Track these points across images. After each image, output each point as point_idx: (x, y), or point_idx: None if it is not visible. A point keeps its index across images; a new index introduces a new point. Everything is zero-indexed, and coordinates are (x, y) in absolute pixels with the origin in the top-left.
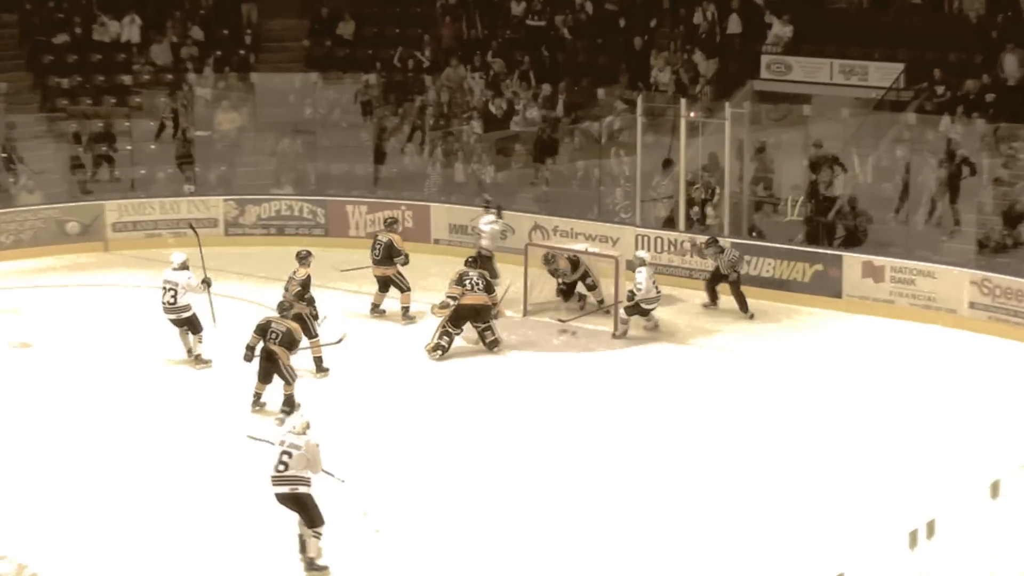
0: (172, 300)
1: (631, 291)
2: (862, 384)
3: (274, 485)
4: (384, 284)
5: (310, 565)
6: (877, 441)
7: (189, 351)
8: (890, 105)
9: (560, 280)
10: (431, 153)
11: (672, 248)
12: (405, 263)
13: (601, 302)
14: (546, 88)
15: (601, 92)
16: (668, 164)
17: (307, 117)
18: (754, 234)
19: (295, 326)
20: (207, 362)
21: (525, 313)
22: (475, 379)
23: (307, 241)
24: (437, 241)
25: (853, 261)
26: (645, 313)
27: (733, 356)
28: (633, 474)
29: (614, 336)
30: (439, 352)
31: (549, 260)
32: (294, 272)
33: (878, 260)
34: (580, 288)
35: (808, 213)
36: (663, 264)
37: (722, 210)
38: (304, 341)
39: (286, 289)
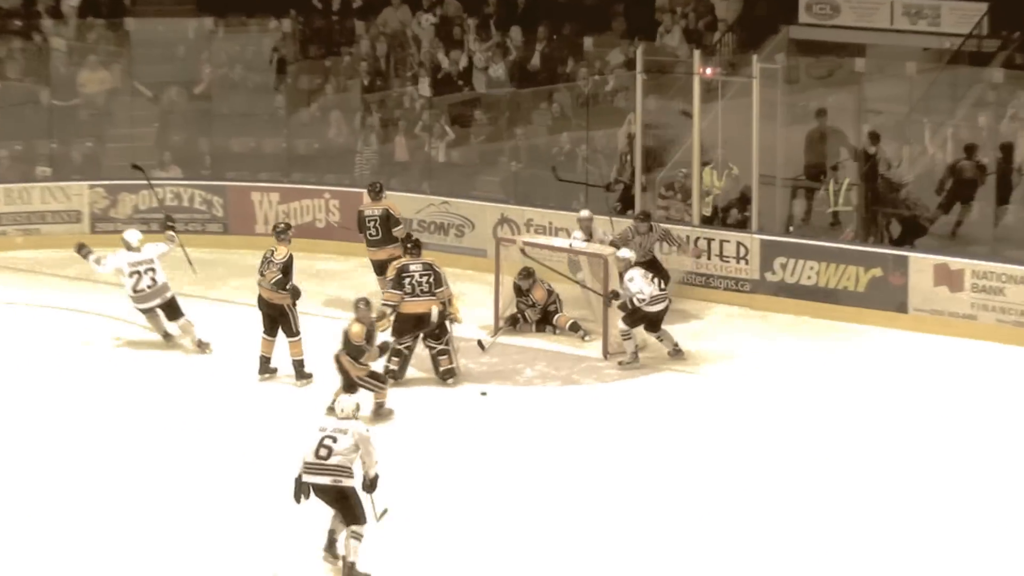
0: (152, 281)
1: (624, 300)
2: (933, 427)
3: (312, 474)
4: (383, 269)
5: (350, 571)
6: (948, 507)
7: (166, 334)
8: (969, 58)
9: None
10: (363, 123)
11: (682, 246)
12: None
13: (584, 334)
14: (516, 36)
15: (589, 42)
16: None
17: (200, 77)
18: (791, 229)
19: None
20: (207, 344)
21: (496, 331)
22: (426, 418)
23: (200, 240)
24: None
25: (923, 264)
26: (654, 325)
27: (762, 390)
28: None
29: (607, 357)
30: (390, 378)
31: (523, 289)
32: (271, 252)
33: (956, 263)
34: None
35: (858, 201)
36: (670, 269)
37: (734, 194)
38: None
39: (262, 274)
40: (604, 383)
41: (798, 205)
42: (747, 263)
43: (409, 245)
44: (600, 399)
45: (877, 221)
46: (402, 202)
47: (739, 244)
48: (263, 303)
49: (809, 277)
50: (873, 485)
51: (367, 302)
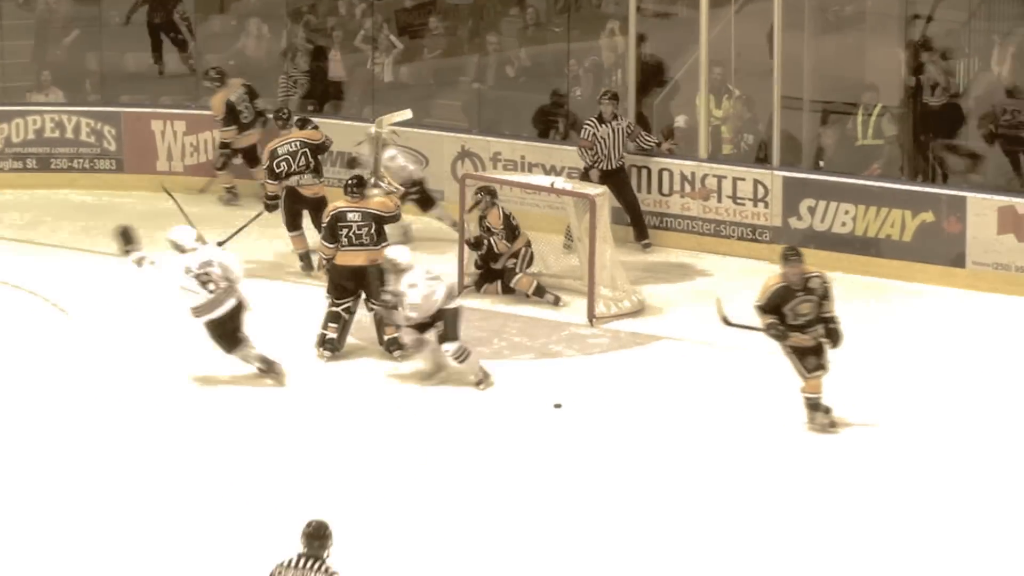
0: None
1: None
2: (993, 404)
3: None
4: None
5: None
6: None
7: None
8: None
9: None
10: (290, 36)
11: (688, 186)
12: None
13: (556, 299)
14: None
15: None
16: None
17: None
18: (821, 164)
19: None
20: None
21: (460, 291)
22: (371, 400)
23: (89, 180)
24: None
25: (984, 206)
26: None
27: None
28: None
29: (593, 323)
30: (327, 349)
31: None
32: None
33: None
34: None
35: (894, 132)
36: (671, 214)
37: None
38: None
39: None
40: (588, 355)
41: (830, 135)
42: (767, 206)
43: (350, 184)
44: (584, 374)
45: (927, 155)
46: (339, 131)
47: (756, 183)
48: (303, 200)
49: (843, 223)
50: (916, 478)
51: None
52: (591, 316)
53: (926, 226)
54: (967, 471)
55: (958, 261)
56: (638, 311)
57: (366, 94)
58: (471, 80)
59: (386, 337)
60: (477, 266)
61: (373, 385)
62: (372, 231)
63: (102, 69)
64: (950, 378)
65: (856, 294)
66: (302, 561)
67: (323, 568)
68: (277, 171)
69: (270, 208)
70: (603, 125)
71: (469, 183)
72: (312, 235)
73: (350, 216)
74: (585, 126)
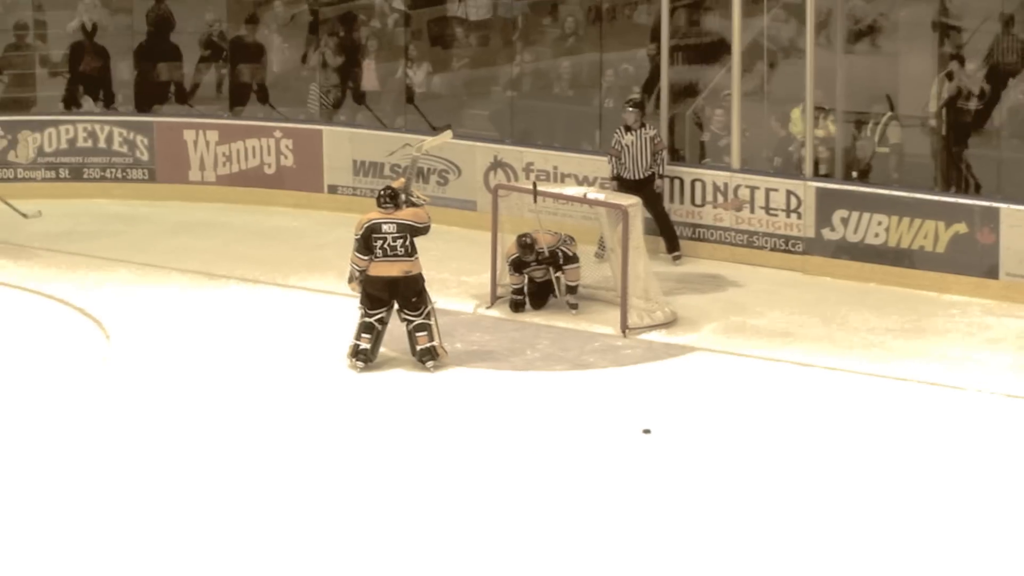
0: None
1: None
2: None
3: None
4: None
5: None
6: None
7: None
8: None
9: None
10: (321, 45)
11: (721, 196)
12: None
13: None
14: None
15: None
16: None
17: None
18: (855, 175)
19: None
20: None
21: (493, 302)
22: (406, 410)
23: (121, 189)
24: (333, 190)
25: (1019, 217)
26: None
27: (816, 375)
28: None
29: (626, 334)
30: (360, 360)
31: (526, 245)
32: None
33: None
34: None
35: (898, 141)
36: (703, 225)
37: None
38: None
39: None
40: (621, 366)
41: (862, 147)
42: (800, 217)
43: (383, 196)
44: (617, 386)
45: (959, 166)
46: (370, 141)
47: (789, 193)
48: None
49: (876, 235)
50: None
51: None
52: (624, 327)
53: (959, 237)
54: (1002, 482)
55: (992, 272)
56: (671, 322)
57: (397, 104)
58: (503, 90)
59: (419, 347)
60: (517, 291)
61: (406, 396)
62: (407, 242)
63: (134, 76)
64: (982, 392)
65: (888, 305)
66: None
67: None
68: None
69: None
70: (628, 133)
71: (502, 193)
72: None
73: (384, 228)
74: (614, 135)
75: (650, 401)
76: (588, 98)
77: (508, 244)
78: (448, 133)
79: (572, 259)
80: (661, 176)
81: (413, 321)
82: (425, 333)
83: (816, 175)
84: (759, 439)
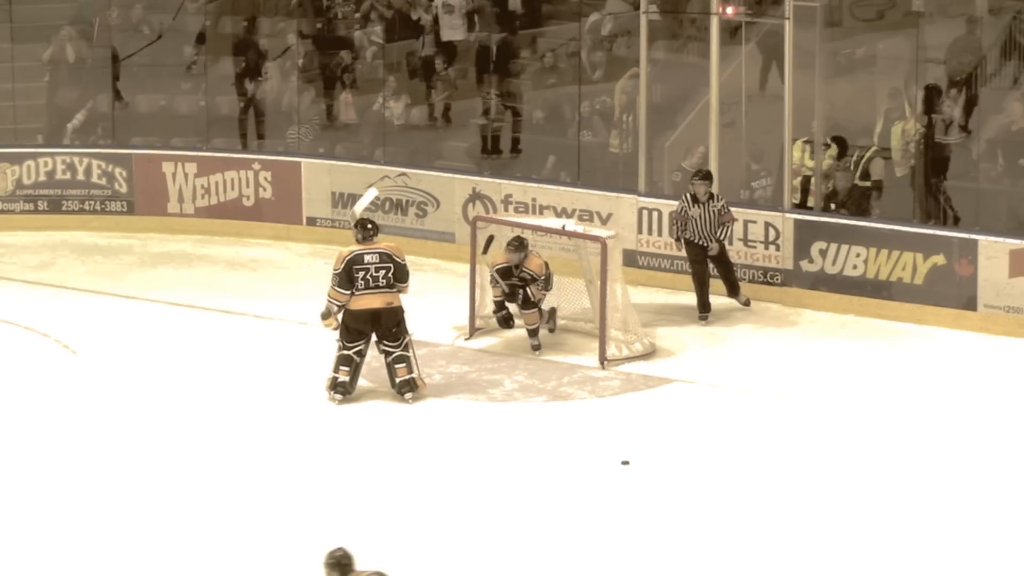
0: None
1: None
2: (1009, 452)
3: None
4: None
5: None
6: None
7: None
8: None
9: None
10: (300, 77)
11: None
12: None
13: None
14: None
15: None
16: None
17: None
18: (833, 207)
19: None
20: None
21: (472, 333)
22: (384, 443)
23: (100, 222)
24: (312, 222)
25: (996, 249)
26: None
27: (797, 407)
28: None
29: (604, 365)
30: (339, 392)
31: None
32: None
33: None
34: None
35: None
36: (682, 257)
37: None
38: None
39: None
40: (600, 397)
41: (842, 177)
42: (778, 249)
43: (363, 228)
44: (596, 417)
45: (937, 197)
46: (350, 174)
47: (768, 225)
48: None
49: (855, 266)
50: (936, 531)
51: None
52: (603, 359)
53: (938, 269)
54: (979, 515)
55: (970, 304)
56: (650, 353)
57: (376, 137)
58: (481, 123)
59: (398, 379)
60: (499, 306)
61: (385, 428)
62: (388, 273)
63: (113, 111)
64: (960, 421)
65: (867, 336)
66: None
67: None
68: None
69: None
70: (696, 205)
71: (480, 225)
72: None
73: (367, 258)
74: (680, 202)
75: (629, 432)
76: (564, 129)
77: (484, 276)
78: (372, 190)
79: (530, 303)
80: (720, 241)
81: (392, 353)
82: (404, 365)
83: (806, 207)
84: (737, 470)
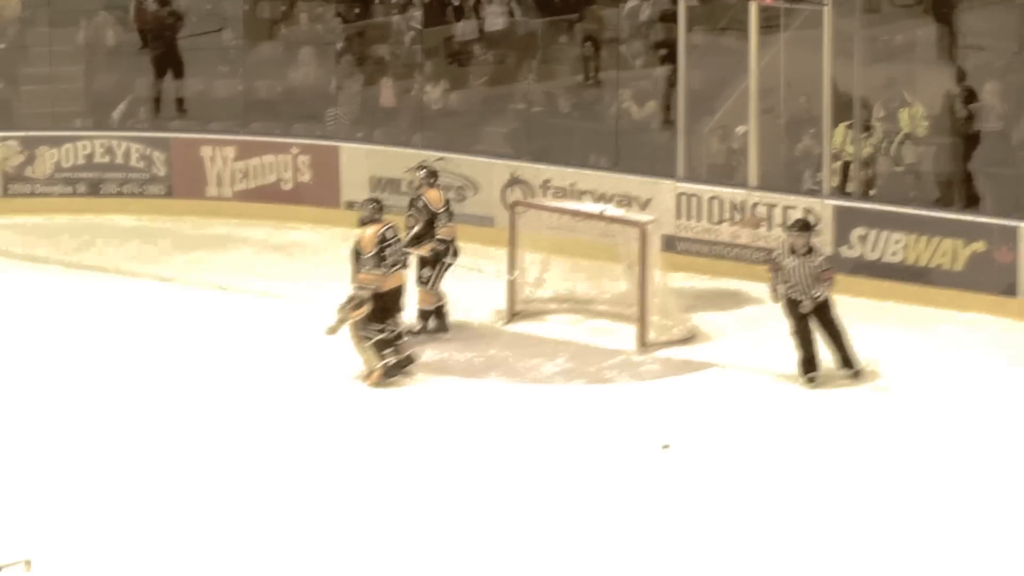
0: None
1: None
2: None
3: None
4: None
5: None
6: None
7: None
8: None
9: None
10: (339, 61)
11: (736, 214)
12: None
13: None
14: None
15: None
16: None
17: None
18: (872, 192)
19: None
20: None
21: (511, 318)
22: (420, 423)
23: (138, 205)
24: (351, 206)
25: None
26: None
27: (834, 392)
28: None
29: (643, 349)
30: (386, 372)
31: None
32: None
33: None
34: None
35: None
36: (721, 242)
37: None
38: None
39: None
40: (640, 381)
41: (883, 163)
42: (817, 235)
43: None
44: (637, 401)
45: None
46: (389, 159)
47: (807, 212)
48: None
49: (895, 252)
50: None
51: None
52: (642, 343)
53: (978, 255)
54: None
55: (1009, 290)
56: (689, 338)
57: (415, 121)
58: (520, 107)
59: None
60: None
61: (424, 409)
62: (401, 247)
63: (151, 92)
64: (1002, 409)
65: (906, 323)
66: None
67: None
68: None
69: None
70: (791, 256)
71: (519, 210)
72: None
73: (388, 235)
74: (776, 249)
75: (668, 416)
76: (604, 114)
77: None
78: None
79: (421, 280)
80: (815, 299)
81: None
82: (392, 349)
83: (844, 193)
84: (776, 454)
